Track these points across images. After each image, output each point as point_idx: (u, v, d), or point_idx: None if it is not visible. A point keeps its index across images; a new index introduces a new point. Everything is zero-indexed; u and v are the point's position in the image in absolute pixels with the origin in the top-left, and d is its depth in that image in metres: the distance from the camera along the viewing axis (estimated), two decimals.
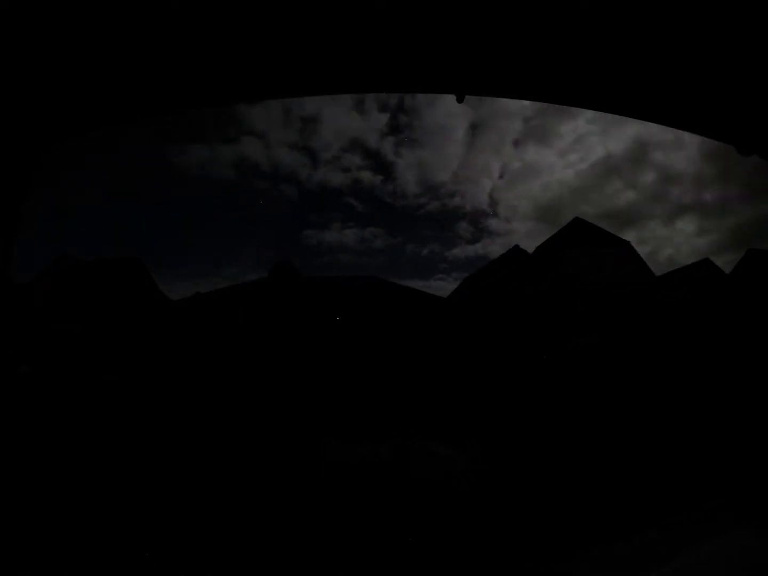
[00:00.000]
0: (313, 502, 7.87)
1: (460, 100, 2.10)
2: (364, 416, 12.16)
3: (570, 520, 6.50)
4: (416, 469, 9.37)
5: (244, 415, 11.85)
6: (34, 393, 10.85)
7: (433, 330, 17.05)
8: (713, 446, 9.50)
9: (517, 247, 23.92)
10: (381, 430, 11.46)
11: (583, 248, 23.86)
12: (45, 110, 1.78)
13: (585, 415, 11.73)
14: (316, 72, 2.01)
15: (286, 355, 14.21)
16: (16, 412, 9.83)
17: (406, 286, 23.69)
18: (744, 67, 1.79)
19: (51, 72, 1.67)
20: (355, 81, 2.12)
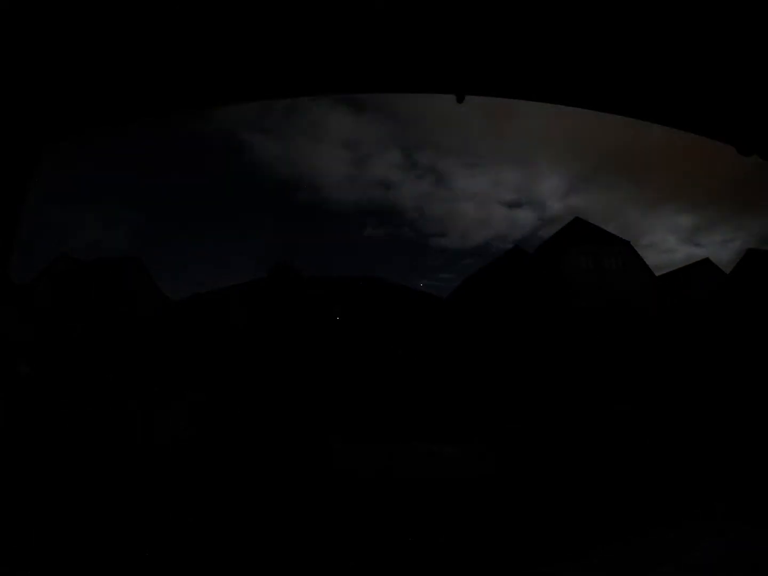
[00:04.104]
0: (317, 502, 7.87)
1: (460, 100, 2.10)
2: (367, 417, 12.15)
3: (573, 521, 6.50)
4: (418, 470, 9.37)
5: (247, 415, 11.84)
6: (34, 393, 10.84)
7: (434, 330, 17.04)
8: (713, 447, 9.49)
9: (517, 246, 23.88)
10: (384, 430, 11.45)
11: (583, 248, 23.83)
12: (45, 110, 1.78)
13: (587, 416, 11.72)
14: (315, 72, 2.00)
15: (287, 355, 14.21)
16: (16, 411, 9.82)
17: (406, 286, 23.65)
18: (744, 68, 1.79)
19: (51, 72, 1.67)
20: (354, 81, 2.12)
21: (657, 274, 24.61)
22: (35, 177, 1.85)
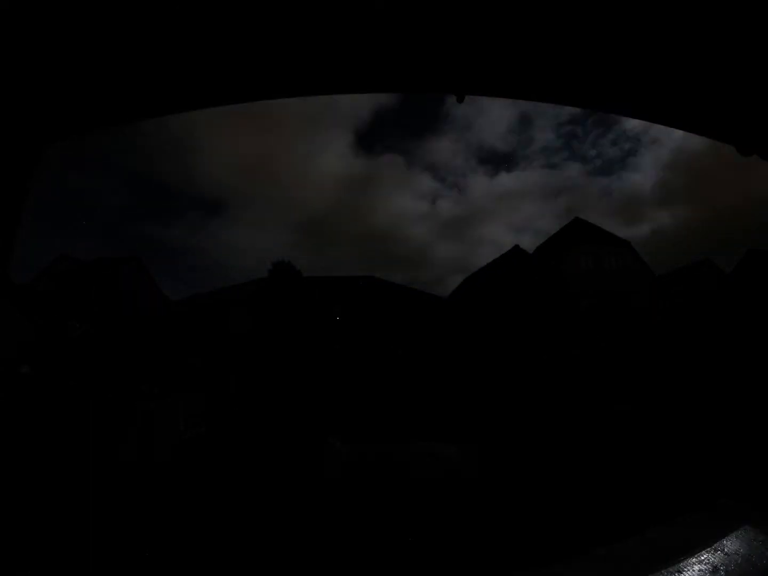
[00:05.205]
0: (315, 502, 7.87)
1: (460, 100, 2.10)
2: (367, 417, 12.16)
3: (569, 521, 6.50)
4: (416, 469, 9.37)
5: (247, 416, 11.85)
6: (34, 393, 10.85)
7: (433, 330, 17.04)
8: (714, 448, 9.50)
9: (517, 246, 23.86)
10: (384, 430, 11.46)
11: (583, 248, 23.82)
12: (45, 110, 1.78)
13: (587, 416, 11.73)
14: (314, 72, 2.00)
15: (287, 355, 14.20)
16: (16, 412, 9.83)
17: (406, 285, 23.65)
18: (744, 67, 1.79)
19: (51, 71, 1.67)
20: (354, 81, 2.12)
21: (657, 274, 24.63)
22: (36, 177, 1.85)
